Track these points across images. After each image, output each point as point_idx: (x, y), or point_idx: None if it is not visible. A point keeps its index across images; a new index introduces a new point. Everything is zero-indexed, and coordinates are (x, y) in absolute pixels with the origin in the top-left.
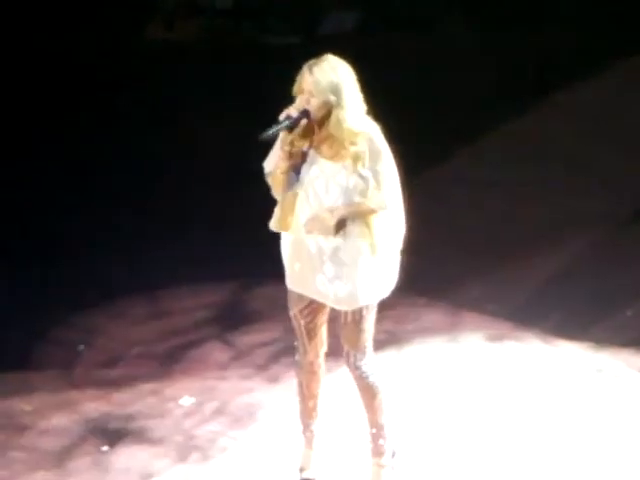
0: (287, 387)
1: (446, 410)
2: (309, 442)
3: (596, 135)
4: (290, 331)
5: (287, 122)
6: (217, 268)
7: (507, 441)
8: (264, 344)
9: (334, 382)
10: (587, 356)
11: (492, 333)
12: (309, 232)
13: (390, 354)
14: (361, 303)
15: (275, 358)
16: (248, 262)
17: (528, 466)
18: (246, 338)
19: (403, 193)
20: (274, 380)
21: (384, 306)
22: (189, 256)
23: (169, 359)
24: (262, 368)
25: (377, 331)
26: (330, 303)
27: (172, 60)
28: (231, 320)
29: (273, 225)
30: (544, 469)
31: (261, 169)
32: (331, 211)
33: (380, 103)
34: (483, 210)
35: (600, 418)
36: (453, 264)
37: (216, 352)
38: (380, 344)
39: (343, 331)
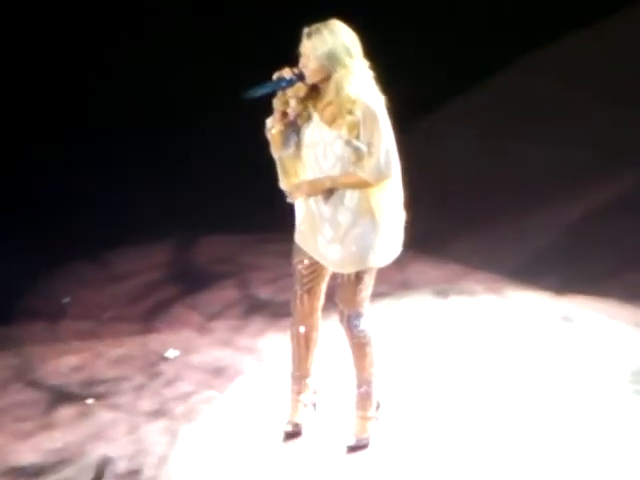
0: (270, 342)
1: (430, 363)
2: (296, 395)
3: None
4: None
5: (280, 83)
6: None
7: (489, 393)
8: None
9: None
10: (559, 305)
11: (476, 286)
12: (302, 194)
13: (376, 307)
14: (356, 268)
15: (248, 314)
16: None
17: (506, 419)
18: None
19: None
20: (256, 335)
21: None
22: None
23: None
24: (239, 326)
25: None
26: (327, 264)
27: None
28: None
29: (281, 184)
30: (522, 421)
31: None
32: (328, 179)
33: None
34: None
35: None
36: (441, 217)
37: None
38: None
39: (339, 290)
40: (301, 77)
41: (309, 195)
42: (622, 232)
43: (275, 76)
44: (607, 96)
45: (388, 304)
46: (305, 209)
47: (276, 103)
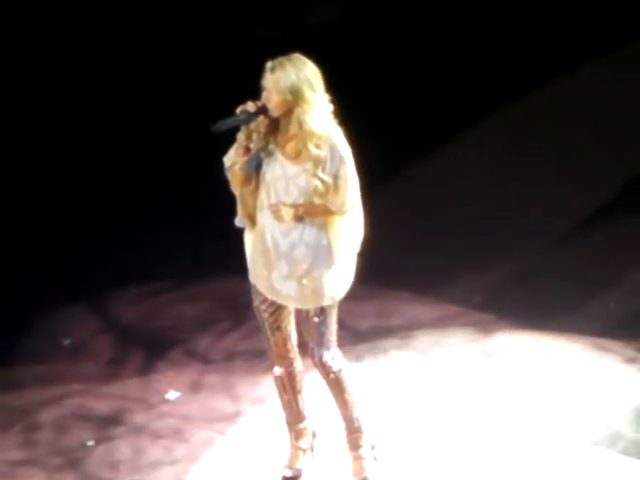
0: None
1: (428, 404)
2: (294, 441)
3: (578, 125)
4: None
5: (243, 116)
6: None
7: (488, 431)
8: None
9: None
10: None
11: (476, 327)
12: (279, 215)
13: (375, 347)
14: (315, 304)
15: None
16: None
17: (508, 460)
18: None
19: (382, 191)
20: (258, 377)
21: (366, 299)
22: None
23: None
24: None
25: (361, 324)
26: (283, 301)
27: None
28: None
29: (238, 221)
30: (518, 462)
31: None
32: (292, 206)
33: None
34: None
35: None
36: (437, 259)
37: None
38: (364, 337)
39: (303, 326)
40: (264, 110)
41: (283, 219)
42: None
43: (239, 110)
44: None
45: (379, 347)
46: (259, 246)
47: (240, 137)
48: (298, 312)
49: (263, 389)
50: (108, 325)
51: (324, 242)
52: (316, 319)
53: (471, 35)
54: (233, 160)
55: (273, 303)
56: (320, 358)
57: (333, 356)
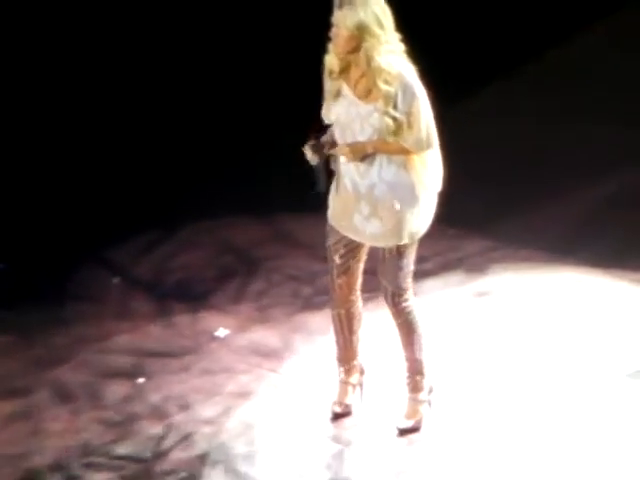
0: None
1: (483, 346)
2: (345, 377)
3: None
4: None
5: (317, 163)
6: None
7: (543, 378)
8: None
9: (376, 317)
10: (622, 288)
11: (524, 265)
12: (344, 155)
13: (425, 286)
14: (396, 241)
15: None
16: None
17: (562, 405)
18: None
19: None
20: (319, 307)
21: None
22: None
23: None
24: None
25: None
26: (366, 240)
27: None
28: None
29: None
30: (576, 409)
31: None
32: (370, 144)
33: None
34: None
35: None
36: (485, 196)
37: (255, 282)
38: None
39: (381, 267)
40: (322, 145)
41: (349, 158)
42: None
43: (313, 162)
44: None
45: (435, 284)
46: (339, 190)
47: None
48: (376, 252)
49: (313, 326)
50: (170, 256)
51: (404, 180)
52: (394, 258)
53: None
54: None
55: (348, 244)
56: (393, 298)
57: (407, 297)
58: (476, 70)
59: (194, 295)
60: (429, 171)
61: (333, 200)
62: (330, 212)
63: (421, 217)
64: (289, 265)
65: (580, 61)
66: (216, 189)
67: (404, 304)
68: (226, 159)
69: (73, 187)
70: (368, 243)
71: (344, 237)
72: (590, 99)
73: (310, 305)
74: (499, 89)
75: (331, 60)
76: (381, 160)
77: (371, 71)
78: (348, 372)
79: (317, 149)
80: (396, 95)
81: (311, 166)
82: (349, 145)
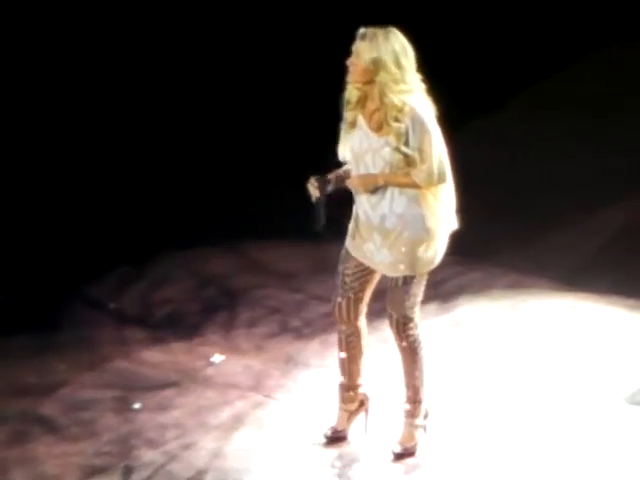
0: (324, 344)
1: (482, 372)
2: (344, 403)
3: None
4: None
5: (320, 202)
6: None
7: (539, 403)
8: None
9: (374, 342)
10: (619, 314)
11: (528, 293)
12: (354, 187)
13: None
14: (406, 272)
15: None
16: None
17: (558, 430)
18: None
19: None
20: (310, 338)
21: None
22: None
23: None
24: (296, 327)
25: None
26: (376, 267)
27: None
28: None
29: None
30: (573, 435)
31: None
32: (381, 176)
33: None
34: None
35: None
36: (491, 226)
37: (243, 313)
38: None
39: (389, 294)
40: (325, 183)
41: (359, 190)
42: None
43: (314, 199)
44: None
45: (441, 310)
46: (355, 217)
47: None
48: (386, 279)
49: (308, 354)
50: (154, 289)
51: (415, 212)
52: (403, 287)
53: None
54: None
55: (359, 271)
56: (398, 326)
57: (412, 326)
58: (477, 98)
59: (185, 326)
60: (441, 205)
61: (352, 227)
62: (348, 239)
63: (432, 250)
64: (271, 296)
65: (581, 91)
66: (186, 221)
67: (408, 332)
68: (196, 190)
69: (52, 224)
70: (379, 271)
71: (358, 263)
72: (593, 129)
73: (301, 336)
74: (503, 118)
75: (350, 90)
76: (392, 192)
77: (384, 106)
78: (348, 398)
79: (320, 185)
80: (407, 131)
81: (312, 204)
82: (360, 177)
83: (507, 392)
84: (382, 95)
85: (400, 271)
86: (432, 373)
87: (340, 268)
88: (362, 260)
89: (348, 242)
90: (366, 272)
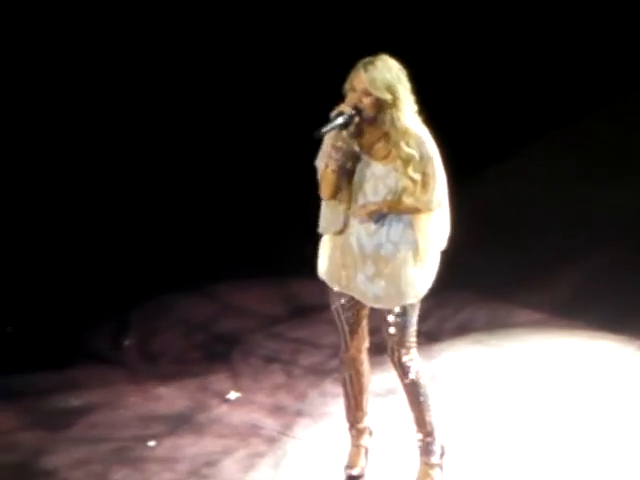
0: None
1: (495, 407)
2: (356, 440)
3: None
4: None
5: (341, 119)
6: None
7: (556, 438)
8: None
9: (383, 379)
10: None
11: (535, 327)
12: (359, 217)
13: (434, 348)
14: (400, 302)
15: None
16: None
17: (569, 466)
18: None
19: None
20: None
21: (427, 299)
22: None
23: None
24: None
25: (421, 325)
26: (369, 302)
27: None
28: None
29: (322, 229)
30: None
31: None
32: (373, 204)
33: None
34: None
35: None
36: (493, 258)
37: (261, 349)
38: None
39: (386, 327)
40: (360, 112)
41: (364, 219)
42: None
43: (334, 113)
44: None
45: (445, 347)
46: (343, 249)
47: (335, 139)
48: (379, 312)
49: (325, 390)
50: (169, 325)
51: (409, 238)
52: (398, 318)
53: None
54: (326, 163)
55: (352, 304)
56: (399, 359)
57: (412, 357)
58: (488, 135)
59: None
60: (435, 229)
61: (332, 257)
62: (326, 273)
63: (424, 276)
64: (264, 339)
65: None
66: (156, 267)
67: (410, 364)
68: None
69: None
70: (371, 305)
71: (348, 297)
72: (601, 166)
73: (316, 372)
74: (517, 154)
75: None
76: (390, 220)
77: (396, 132)
78: (359, 434)
79: (348, 121)
80: (416, 157)
81: (331, 116)
82: (365, 207)
83: (520, 431)
84: (395, 122)
85: (396, 301)
86: (443, 408)
87: (333, 307)
88: (352, 293)
89: (329, 278)
90: (358, 304)
